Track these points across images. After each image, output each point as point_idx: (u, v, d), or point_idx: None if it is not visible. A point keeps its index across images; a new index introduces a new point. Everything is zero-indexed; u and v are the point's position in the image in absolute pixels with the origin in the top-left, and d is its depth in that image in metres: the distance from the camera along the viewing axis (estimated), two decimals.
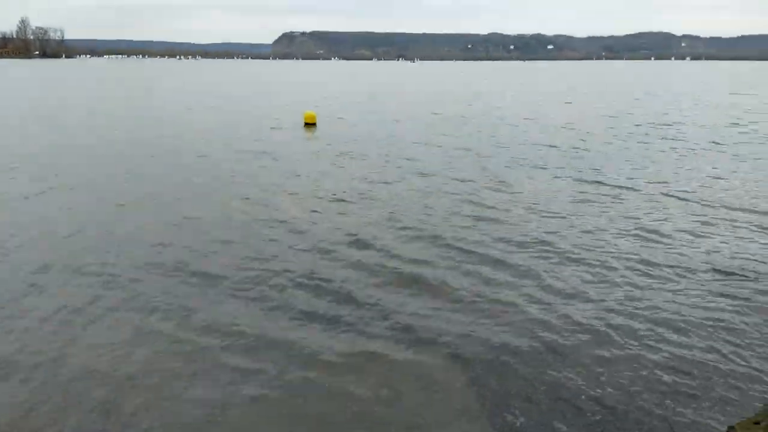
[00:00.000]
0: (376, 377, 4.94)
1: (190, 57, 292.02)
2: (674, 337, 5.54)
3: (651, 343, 5.41)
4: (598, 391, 4.74)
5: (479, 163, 14.79)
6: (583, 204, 10.62)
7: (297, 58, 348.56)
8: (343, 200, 10.81)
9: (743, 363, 5.03)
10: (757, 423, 3.52)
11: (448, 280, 6.98)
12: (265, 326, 5.81)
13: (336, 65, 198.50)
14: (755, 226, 9.27)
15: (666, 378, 4.82)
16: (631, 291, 6.63)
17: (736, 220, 9.56)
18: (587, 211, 10.12)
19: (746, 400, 4.48)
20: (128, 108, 30.40)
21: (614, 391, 4.71)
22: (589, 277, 7.15)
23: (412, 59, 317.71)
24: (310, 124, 22.32)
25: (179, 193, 11.45)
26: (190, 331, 5.69)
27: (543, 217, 9.80)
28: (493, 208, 10.36)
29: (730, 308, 6.10)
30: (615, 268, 7.46)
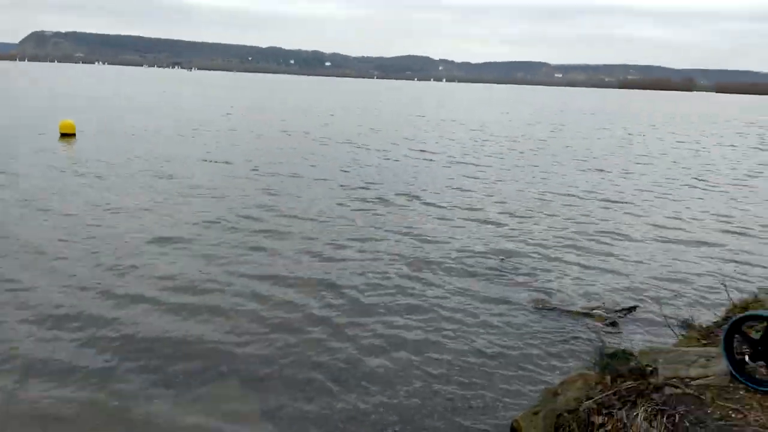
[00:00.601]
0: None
1: None
2: (447, 343, 5.40)
3: (427, 351, 5.20)
4: (387, 406, 4.38)
5: (250, 177, 13.90)
6: (355, 212, 10.37)
7: (53, 60, 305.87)
8: (97, 224, 9.01)
9: (514, 359, 5.10)
10: (536, 413, 3.45)
11: (228, 305, 6.10)
12: None
13: (98, 70, 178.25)
14: (492, 223, 10.05)
15: (445, 384, 4.64)
16: (399, 301, 6.41)
17: (484, 220, 10.33)
18: (358, 221, 9.80)
19: (523, 393, 4.51)
20: None
21: (403, 402, 4.40)
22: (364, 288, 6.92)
23: (189, 68, 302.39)
24: (66, 135, 18.88)
25: None
26: None
27: (321, 223, 9.44)
28: (261, 220, 9.60)
29: (487, 310, 6.20)
30: (384, 281, 7.34)
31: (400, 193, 12.13)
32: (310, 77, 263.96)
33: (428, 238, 8.85)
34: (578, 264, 7.87)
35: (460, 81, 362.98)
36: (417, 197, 11.82)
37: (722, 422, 2.90)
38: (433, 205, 11.21)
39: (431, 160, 17.54)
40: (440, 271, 7.40)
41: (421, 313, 6.06)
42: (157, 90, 59.86)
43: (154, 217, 9.29)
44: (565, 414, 3.24)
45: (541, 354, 5.13)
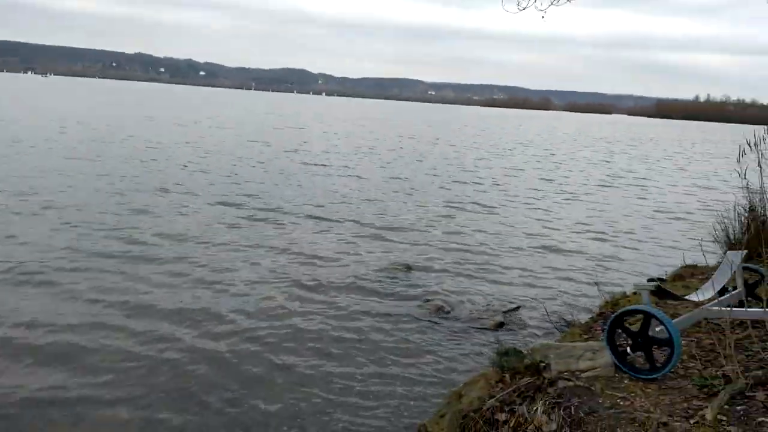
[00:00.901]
0: None
1: None
2: (345, 361, 5.28)
3: (322, 372, 5.02)
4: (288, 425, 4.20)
5: (120, 191, 12.72)
6: (234, 229, 9.81)
7: None
8: None
9: (414, 369, 5.10)
10: (442, 416, 3.49)
11: (94, 343, 5.47)
12: None
13: None
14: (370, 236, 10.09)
15: (346, 400, 4.54)
16: (287, 322, 6.13)
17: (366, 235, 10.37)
18: (238, 239, 9.14)
19: (428, 398, 4.54)
20: None
21: (303, 423, 4.24)
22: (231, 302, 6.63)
23: (44, 73, 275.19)
24: None
25: None
26: None
27: (197, 243, 8.83)
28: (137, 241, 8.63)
29: (380, 324, 6.12)
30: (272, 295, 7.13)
31: (283, 208, 11.73)
32: (183, 86, 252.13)
33: (314, 254, 8.57)
34: (463, 272, 8.15)
35: (339, 95, 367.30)
36: (300, 211, 11.54)
37: (612, 410, 3.10)
38: (319, 218, 11.01)
39: (315, 173, 17.39)
40: (329, 288, 7.16)
41: (311, 333, 5.80)
42: None
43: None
44: (471, 414, 3.31)
45: (440, 360, 5.23)
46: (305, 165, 19.01)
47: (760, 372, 3.02)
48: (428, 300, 6.81)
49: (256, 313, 6.21)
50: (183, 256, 7.97)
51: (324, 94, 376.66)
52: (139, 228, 9.21)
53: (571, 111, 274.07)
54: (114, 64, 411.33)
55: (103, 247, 8.10)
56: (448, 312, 6.40)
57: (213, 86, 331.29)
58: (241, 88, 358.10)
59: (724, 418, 2.74)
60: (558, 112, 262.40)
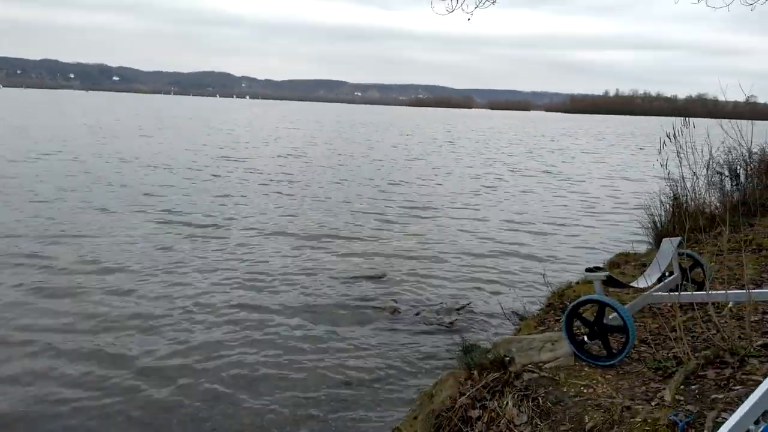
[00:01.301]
0: None
1: None
2: (309, 372, 5.26)
3: (287, 384, 4.95)
4: None
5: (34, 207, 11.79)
6: (169, 245, 9.25)
7: None
8: None
9: (381, 374, 5.10)
10: (415, 417, 3.52)
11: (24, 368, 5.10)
12: None
13: None
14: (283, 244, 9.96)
15: (316, 411, 4.48)
16: (238, 335, 6.00)
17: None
18: (173, 254, 8.71)
19: (398, 402, 4.55)
20: None
21: None
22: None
23: None
24: None
25: None
26: None
27: (132, 255, 8.45)
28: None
29: (340, 332, 6.07)
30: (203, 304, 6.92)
31: (217, 218, 11.25)
32: (95, 93, 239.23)
33: (260, 268, 8.26)
34: (411, 275, 8.21)
35: (263, 98, 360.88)
36: (235, 221, 11.13)
37: (577, 398, 3.23)
38: (254, 229, 10.60)
39: (246, 180, 16.93)
40: (278, 299, 7.00)
41: (267, 346, 5.66)
42: None
43: None
44: (444, 413, 3.35)
45: (402, 362, 5.27)
46: (235, 173, 18.50)
47: (708, 351, 3.25)
48: (381, 305, 6.83)
49: (210, 330, 6.01)
50: (113, 284, 7.25)
51: (248, 97, 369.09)
52: (54, 257, 8.19)
53: (492, 108, 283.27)
54: (18, 72, 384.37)
55: (12, 277, 7.23)
56: (403, 314, 6.46)
57: (128, 91, 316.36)
58: (159, 92, 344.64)
59: (681, 398, 2.93)
60: (481, 109, 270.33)
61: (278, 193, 14.83)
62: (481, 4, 8.36)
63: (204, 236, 9.88)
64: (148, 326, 5.94)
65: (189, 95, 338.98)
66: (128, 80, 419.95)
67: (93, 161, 19.24)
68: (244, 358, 5.36)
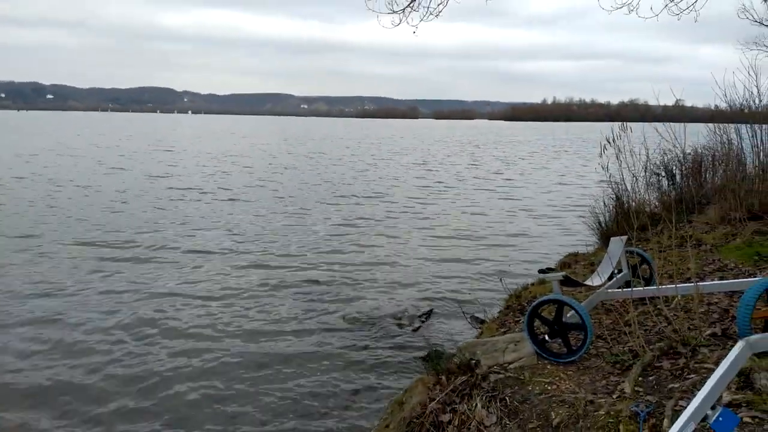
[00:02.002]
0: None
1: None
2: (278, 387, 5.19)
3: (251, 403, 4.92)
4: None
5: None
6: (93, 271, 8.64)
7: None
8: None
9: (348, 385, 5.07)
10: (387, 426, 3.53)
11: None
12: None
13: None
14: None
15: (287, 420, 4.44)
16: (195, 362, 5.94)
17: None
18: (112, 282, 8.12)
19: (369, 411, 4.54)
20: None
21: None
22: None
23: None
24: None
25: None
26: None
27: (45, 290, 7.78)
28: None
29: (303, 347, 6.02)
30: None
31: (159, 243, 10.46)
32: (27, 112, 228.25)
33: (209, 287, 7.99)
34: (371, 285, 8.22)
35: (206, 113, 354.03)
36: (181, 245, 10.41)
37: (542, 395, 3.34)
38: (204, 252, 9.98)
39: (183, 198, 16.19)
40: (236, 320, 6.78)
41: (229, 366, 5.53)
42: None
43: None
44: (415, 420, 3.38)
45: (373, 372, 5.27)
46: (175, 191, 17.79)
47: (662, 343, 3.42)
48: (346, 315, 6.81)
49: (164, 348, 5.83)
50: (45, 316, 6.73)
51: (190, 112, 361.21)
52: None
53: (437, 118, 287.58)
54: None
55: None
56: (367, 325, 6.46)
57: (63, 110, 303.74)
58: (96, 110, 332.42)
59: (640, 389, 3.07)
60: (426, 119, 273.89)
61: (221, 210, 14.55)
62: (425, 18, 8.58)
63: (129, 259, 9.47)
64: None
65: (128, 112, 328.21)
66: (63, 98, 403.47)
67: None
68: (205, 381, 5.23)
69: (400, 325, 6.36)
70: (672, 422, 2.34)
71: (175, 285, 8.04)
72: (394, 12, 8.01)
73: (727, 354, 2.46)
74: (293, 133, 72.43)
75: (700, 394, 2.25)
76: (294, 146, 44.38)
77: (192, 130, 75.67)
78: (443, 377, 3.65)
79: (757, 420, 2.58)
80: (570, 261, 7.47)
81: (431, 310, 6.77)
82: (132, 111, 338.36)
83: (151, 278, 8.31)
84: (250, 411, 4.64)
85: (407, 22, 8.47)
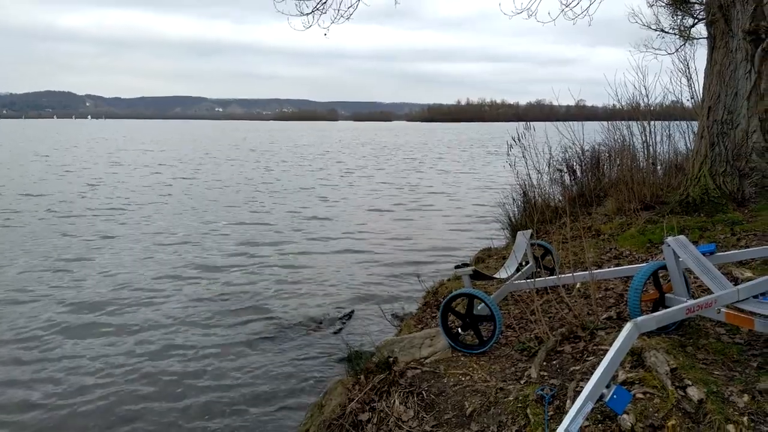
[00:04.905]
0: None
1: None
2: (200, 396, 5.03)
3: (173, 416, 4.74)
4: None
5: None
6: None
7: None
8: None
9: (267, 391, 5.00)
10: (307, 431, 3.51)
11: None
12: None
13: None
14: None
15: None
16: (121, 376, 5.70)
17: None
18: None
19: (289, 418, 4.49)
20: None
21: None
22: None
23: None
24: None
25: None
26: None
27: None
28: None
29: (219, 355, 5.99)
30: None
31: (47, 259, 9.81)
32: None
33: (121, 304, 7.64)
34: (289, 290, 8.12)
35: (110, 117, 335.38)
36: (77, 259, 9.84)
37: (457, 386, 3.46)
38: (104, 272, 9.19)
39: (83, 215, 14.72)
40: (152, 333, 6.55)
41: (144, 381, 5.33)
42: None
43: None
44: (335, 422, 3.40)
45: (294, 378, 5.21)
46: (58, 204, 16.98)
47: (564, 329, 3.64)
48: (264, 323, 6.69)
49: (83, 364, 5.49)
50: None
51: (90, 117, 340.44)
52: None
53: (356, 120, 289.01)
54: None
55: None
56: (286, 330, 6.38)
57: None
58: None
59: (545, 374, 3.26)
60: (345, 122, 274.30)
61: (131, 219, 13.90)
62: (336, 20, 8.62)
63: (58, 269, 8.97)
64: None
65: (21, 118, 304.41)
66: None
67: None
68: (116, 395, 4.98)
69: (320, 329, 6.35)
70: (573, 403, 2.50)
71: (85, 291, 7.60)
72: (303, 14, 8.00)
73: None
74: (205, 138, 70.09)
75: (595, 375, 2.42)
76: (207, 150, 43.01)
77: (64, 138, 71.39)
78: (362, 377, 3.69)
79: (648, 395, 2.81)
80: (484, 256, 7.77)
81: (352, 312, 6.81)
82: (26, 117, 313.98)
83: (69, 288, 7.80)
84: (164, 428, 4.47)
85: (318, 24, 8.48)
